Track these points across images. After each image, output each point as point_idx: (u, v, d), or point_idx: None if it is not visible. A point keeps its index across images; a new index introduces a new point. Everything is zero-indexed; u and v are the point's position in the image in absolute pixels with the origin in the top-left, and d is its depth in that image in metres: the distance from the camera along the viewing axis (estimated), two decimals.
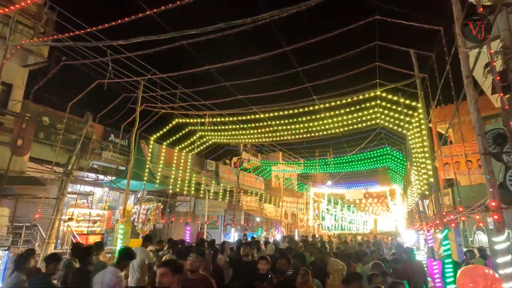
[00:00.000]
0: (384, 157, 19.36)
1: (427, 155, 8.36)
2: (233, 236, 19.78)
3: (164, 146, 15.37)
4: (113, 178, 12.54)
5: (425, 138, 8.18)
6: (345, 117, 11.13)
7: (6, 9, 7.00)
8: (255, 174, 24.91)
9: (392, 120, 10.92)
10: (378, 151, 17.95)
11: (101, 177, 12.93)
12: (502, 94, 3.60)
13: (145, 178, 12.66)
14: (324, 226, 31.43)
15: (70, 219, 11.89)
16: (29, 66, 10.12)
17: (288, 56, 7.65)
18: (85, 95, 10.52)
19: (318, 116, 11.78)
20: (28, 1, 7.39)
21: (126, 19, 5.38)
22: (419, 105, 8.10)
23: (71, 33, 6.18)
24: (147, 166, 13.29)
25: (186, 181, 15.69)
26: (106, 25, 5.40)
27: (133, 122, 10.33)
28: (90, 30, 5.93)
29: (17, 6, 7.02)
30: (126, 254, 4.31)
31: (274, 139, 15.94)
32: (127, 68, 9.92)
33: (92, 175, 12.81)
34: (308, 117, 12.35)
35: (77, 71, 9.79)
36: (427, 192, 12.02)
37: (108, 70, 8.99)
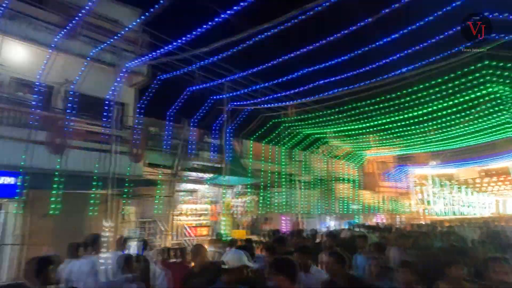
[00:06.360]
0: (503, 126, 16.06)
1: None
2: (331, 224, 19.55)
3: (251, 141, 16.04)
4: (211, 175, 13.71)
5: None
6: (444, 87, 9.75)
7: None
8: (345, 161, 23.84)
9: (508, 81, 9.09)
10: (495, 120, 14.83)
11: (200, 175, 14.27)
12: None
13: (240, 174, 13.44)
14: (431, 211, 28.21)
15: (180, 214, 13.52)
16: (135, 85, 11.75)
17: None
18: (180, 103, 11.73)
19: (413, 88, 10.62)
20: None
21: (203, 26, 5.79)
22: None
23: (161, 50, 6.98)
24: (240, 162, 14.07)
25: (276, 173, 16.06)
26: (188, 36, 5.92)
27: (223, 123, 11.10)
28: (175, 45, 6.59)
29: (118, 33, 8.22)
30: None
31: (363, 124, 15.00)
32: (211, 73, 10.68)
33: (194, 174, 14.23)
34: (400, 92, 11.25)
35: (172, 82, 10.98)
36: None
37: (195, 77, 9.83)
